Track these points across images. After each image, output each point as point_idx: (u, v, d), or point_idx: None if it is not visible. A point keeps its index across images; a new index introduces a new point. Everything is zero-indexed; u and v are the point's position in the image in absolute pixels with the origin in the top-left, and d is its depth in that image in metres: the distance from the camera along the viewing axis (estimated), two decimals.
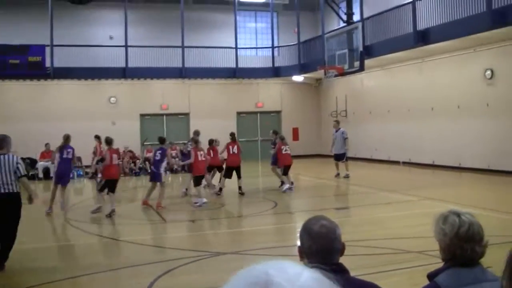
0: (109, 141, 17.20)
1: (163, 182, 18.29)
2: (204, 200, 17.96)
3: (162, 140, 19.17)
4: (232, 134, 22.05)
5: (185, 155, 23.47)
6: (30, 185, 11.00)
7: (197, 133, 20.90)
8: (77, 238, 14.07)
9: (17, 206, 10.78)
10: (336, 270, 3.32)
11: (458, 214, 3.49)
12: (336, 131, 25.81)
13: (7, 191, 10.55)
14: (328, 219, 3.47)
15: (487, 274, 3.45)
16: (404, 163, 30.23)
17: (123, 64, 33.88)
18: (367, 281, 3.61)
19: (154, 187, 18.29)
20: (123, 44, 33.94)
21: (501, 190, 19.69)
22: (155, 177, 18.26)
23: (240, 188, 20.72)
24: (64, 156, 17.65)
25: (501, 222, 13.46)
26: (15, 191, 10.68)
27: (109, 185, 16.99)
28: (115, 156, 17.31)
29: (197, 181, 18.60)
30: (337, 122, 26.69)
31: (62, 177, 17.81)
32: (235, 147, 21.14)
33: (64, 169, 17.86)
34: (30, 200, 11.25)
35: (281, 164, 21.92)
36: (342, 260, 3.45)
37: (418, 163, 28.80)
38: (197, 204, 17.75)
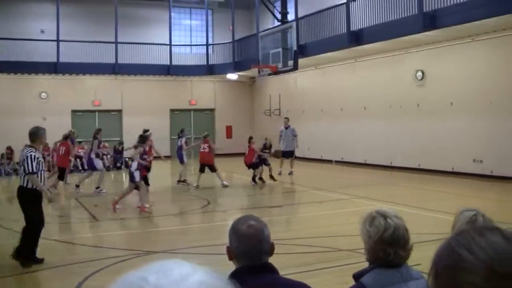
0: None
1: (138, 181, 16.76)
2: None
3: (143, 139, 17.81)
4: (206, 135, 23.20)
5: (118, 152, 23.39)
6: (39, 182, 10.47)
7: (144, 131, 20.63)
8: (5, 237, 13.72)
9: (23, 200, 10.61)
10: (264, 271, 3.30)
11: (385, 217, 3.48)
12: (286, 128, 25.99)
13: (20, 184, 10.64)
14: (257, 219, 3.43)
15: (412, 273, 3.47)
16: (336, 162, 30.50)
17: (54, 59, 33.26)
18: (295, 281, 3.59)
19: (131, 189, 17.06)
20: (55, 38, 33.34)
21: (431, 188, 20.02)
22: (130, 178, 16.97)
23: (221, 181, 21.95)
24: None
25: (431, 220, 13.68)
26: (22, 185, 10.55)
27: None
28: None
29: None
30: (287, 119, 26.78)
31: None
32: (206, 145, 22.18)
33: None
34: (49, 200, 11.15)
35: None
36: (275, 258, 3.43)
37: (350, 162, 29.11)
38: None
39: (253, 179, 22.59)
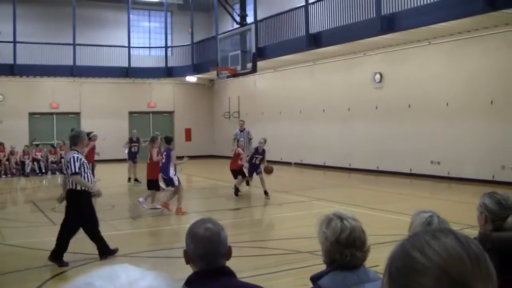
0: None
1: (177, 185, 16.56)
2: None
3: (168, 140, 17.15)
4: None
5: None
6: (83, 181, 10.59)
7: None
8: None
9: (72, 203, 10.71)
10: (221, 274, 3.29)
11: (341, 218, 3.49)
12: (241, 131, 25.02)
13: (68, 187, 10.71)
14: (214, 222, 3.41)
15: (370, 274, 3.48)
16: (295, 164, 30.60)
17: (11, 61, 32.80)
18: (252, 284, 3.58)
19: (176, 192, 16.76)
20: (12, 40, 32.89)
21: (389, 190, 20.18)
22: (168, 182, 16.91)
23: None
24: None
25: (389, 221, 13.78)
26: (73, 188, 10.62)
27: None
28: None
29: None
30: (243, 121, 25.93)
31: None
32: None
33: None
34: (98, 194, 11.75)
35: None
36: (233, 261, 3.42)
37: (309, 164, 29.22)
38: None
39: (236, 191, 19.96)
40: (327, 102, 28.27)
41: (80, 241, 12.52)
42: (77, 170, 10.42)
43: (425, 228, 3.62)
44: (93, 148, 21.44)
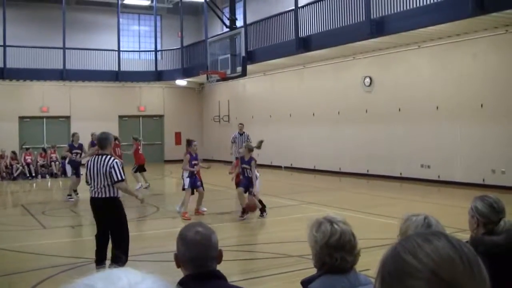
0: None
1: (186, 188, 16.37)
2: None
3: (189, 142, 17.04)
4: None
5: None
6: (128, 188, 10.28)
7: None
8: None
9: (114, 210, 9.93)
10: (211, 277, 3.27)
11: (331, 222, 3.49)
12: (241, 135, 24.07)
13: (102, 195, 9.78)
14: (204, 226, 3.40)
15: (360, 278, 3.47)
16: (285, 167, 30.59)
17: (1, 65, 32.73)
18: None
19: (201, 196, 16.80)
20: (1, 43, 32.80)
21: (379, 194, 20.19)
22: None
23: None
24: None
25: (379, 225, 13.77)
26: (111, 195, 9.81)
27: None
28: None
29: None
30: (242, 125, 24.68)
31: None
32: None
33: None
34: (142, 201, 11.32)
35: (136, 162, 23.76)
36: (224, 265, 3.40)
37: (299, 167, 29.21)
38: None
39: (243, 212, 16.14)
40: (317, 105, 28.29)
41: (72, 244, 12.50)
42: (123, 177, 9.83)
43: (425, 230, 3.60)
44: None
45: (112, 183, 9.67)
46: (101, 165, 9.69)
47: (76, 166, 21.33)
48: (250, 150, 16.39)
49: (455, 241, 1.39)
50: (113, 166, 9.65)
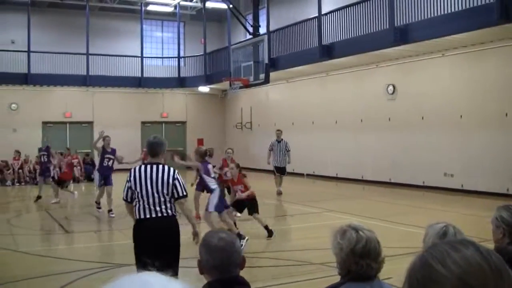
0: None
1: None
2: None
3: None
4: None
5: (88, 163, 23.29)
6: (190, 212, 8.34)
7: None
8: None
9: (173, 234, 7.72)
10: (235, 284, 3.26)
11: (356, 230, 3.48)
12: (278, 142, 23.80)
13: (159, 214, 7.62)
14: (227, 232, 3.40)
15: (384, 287, 3.45)
16: (308, 175, 30.53)
17: (25, 70, 33.02)
18: None
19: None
20: (26, 49, 33.09)
21: (402, 202, 20.09)
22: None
23: None
24: None
25: (402, 234, 13.70)
26: (170, 214, 7.69)
27: None
28: None
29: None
30: (280, 131, 24.19)
31: None
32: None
33: None
34: (195, 236, 8.10)
35: None
36: (246, 272, 3.39)
37: (322, 175, 29.13)
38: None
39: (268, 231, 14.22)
40: (340, 113, 28.23)
41: (95, 249, 12.54)
42: (186, 193, 7.91)
43: (440, 239, 3.58)
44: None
45: (174, 199, 7.73)
46: (159, 175, 7.65)
47: (108, 174, 18.79)
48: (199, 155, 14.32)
49: (483, 249, 1.38)
50: (177, 178, 7.70)
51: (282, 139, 23.77)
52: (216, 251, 3.26)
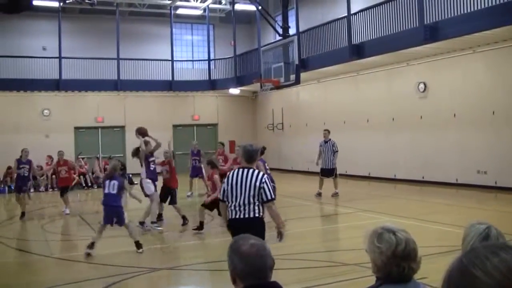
0: None
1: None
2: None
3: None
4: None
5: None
6: (277, 215, 8.58)
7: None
8: (6, 255, 13.63)
9: (258, 234, 8.00)
10: None
11: (393, 232, 3.46)
12: (326, 142, 23.29)
13: (246, 215, 8.27)
14: (255, 237, 3.37)
15: (420, 287, 3.44)
16: (340, 175, 30.39)
17: (56, 76, 33.35)
18: None
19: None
20: (57, 55, 33.43)
21: (435, 201, 19.94)
22: None
23: None
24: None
25: (435, 233, 13.61)
26: (255, 215, 8.26)
27: None
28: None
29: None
30: (328, 131, 23.72)
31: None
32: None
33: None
34: (280, 235, 8.79)
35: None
36: (279, 274, 3.39)
37: (354, 175, 29.01)
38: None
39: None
40: (371, 112, 28.13)
41: (127, 254, 12.62)
42: (274, 197, 8.44)
43: (482, 241, 3.55)
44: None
45: (262, 202, 8.29)
46: (249, 179, 8.29)
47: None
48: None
49: None
50: (265, 182, 8.27)
51: (329, 139, 23.26)
52: (250, 257, 3.21)
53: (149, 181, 16.56)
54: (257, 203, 8.23)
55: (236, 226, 8.14)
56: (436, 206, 18.66)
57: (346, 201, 21.02)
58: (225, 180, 8.50)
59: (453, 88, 23.42)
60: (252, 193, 8.19)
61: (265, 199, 8.21)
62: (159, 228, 16.04)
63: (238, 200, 8.24)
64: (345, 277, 9.80)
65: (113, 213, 13.02)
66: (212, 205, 14.97)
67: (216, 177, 15.12)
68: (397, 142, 26.52)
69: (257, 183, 8.19)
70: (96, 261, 12.08)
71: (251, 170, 8.35)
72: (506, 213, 16.32)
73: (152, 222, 16.20)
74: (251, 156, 8.56)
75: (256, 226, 8.01)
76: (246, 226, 7.72)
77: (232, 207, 8.30)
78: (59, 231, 16.79)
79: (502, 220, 13.99)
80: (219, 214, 13.14)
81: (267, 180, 8.28)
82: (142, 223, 16.12)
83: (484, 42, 21.36)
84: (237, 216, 8.25)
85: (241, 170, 8.42)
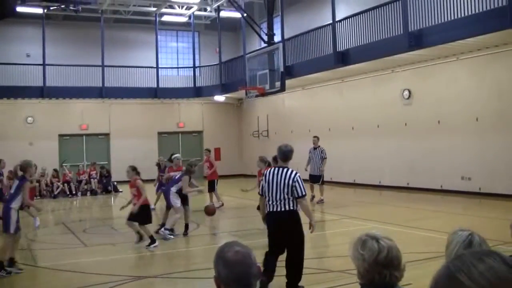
0: None
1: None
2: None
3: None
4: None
5: (104, 176, 23.12)
6: (308, 209, 9.69)
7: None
8: None
9: (297, 224, 9.39)
10: None
11: (376, 239, 3.48)
12: (315, 149, 23.35)
13: (280, 209, 9.31)
14: (240, 244, 3.36)
15: None
16: (325, 182, 30.42)
17: (41, 83, 33.23)
18: None
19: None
20: (41, 62, 33.32)
21: (420, 207, 20.00)
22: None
23: None
24: None
25: (421, 239, 13.65)
26: (291, 208, 9.28)
27: None
28: None
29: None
30: (317, 138, 23.79)
31: None
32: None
33: None
34: (312, 227, 9.73)
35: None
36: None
37: (339, 181, 29.07)
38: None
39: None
40: (356, 119, 28.23)
41: (114, 262, 12.59)
42: (305, 193, 9.49)
43: (465, 248, 3.58)
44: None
45: (294, 198, 9.29)
46: (283, 177, 9.36)
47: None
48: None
49: (509, 261, 1.38)
50: (297, 180, 9.32)
51: (319, 146, 23.27)
52: (235, 265, 3.21)
53: (177, 195, 16.40)
54: (291, 198, 9.27)
55: (275, 218, 9.42)
56: (421, 212, 18.73)
57: (332, 208, 21.07)
58: (263, 178, 9.71)
59: (438, 95, 23.55)
60: (286, 190, 9.25)
61: (297, 195, 9.25)
62: (171, 237, 15.88)
63: (274, 195, 9.34)
64: (332, 284, 9.81)
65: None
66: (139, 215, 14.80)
67: (139, 182, 14.98)
68: (382, 149, 26.61)
69: (290, 181, 9.26)
70: (81, 269, 12.04)
71: (285, 169, 9.45)
72: (490, 218, 16.40)
73: (167, 229, 16.07)
74: (286, 155, 9.67)
75: (292, 217, 9.33)
76: (284, 218, 9.34)
77: (270, 202, 9.42)
78: (43, 240, 16.68)
79: (486, 226, 14.05)
80: (258, 208, 13.88)
81: (299, 179, 9.35)
82: (170, 229, 16.07)
83: (468, 50, 21.51)
84: (276, 209, 9.35)
85: (277, 169, 9.56)
